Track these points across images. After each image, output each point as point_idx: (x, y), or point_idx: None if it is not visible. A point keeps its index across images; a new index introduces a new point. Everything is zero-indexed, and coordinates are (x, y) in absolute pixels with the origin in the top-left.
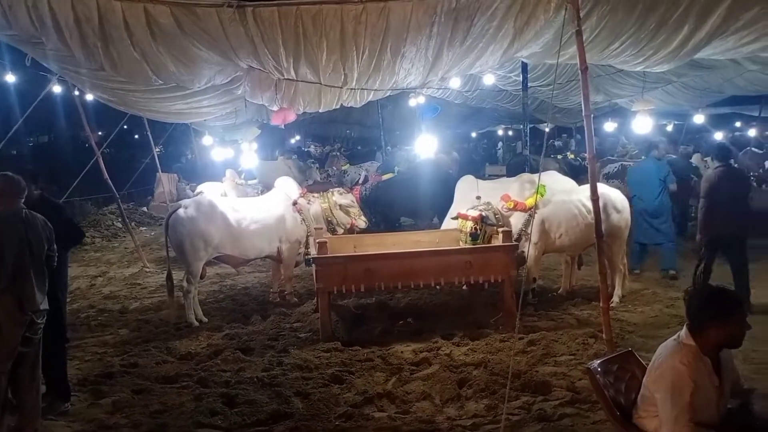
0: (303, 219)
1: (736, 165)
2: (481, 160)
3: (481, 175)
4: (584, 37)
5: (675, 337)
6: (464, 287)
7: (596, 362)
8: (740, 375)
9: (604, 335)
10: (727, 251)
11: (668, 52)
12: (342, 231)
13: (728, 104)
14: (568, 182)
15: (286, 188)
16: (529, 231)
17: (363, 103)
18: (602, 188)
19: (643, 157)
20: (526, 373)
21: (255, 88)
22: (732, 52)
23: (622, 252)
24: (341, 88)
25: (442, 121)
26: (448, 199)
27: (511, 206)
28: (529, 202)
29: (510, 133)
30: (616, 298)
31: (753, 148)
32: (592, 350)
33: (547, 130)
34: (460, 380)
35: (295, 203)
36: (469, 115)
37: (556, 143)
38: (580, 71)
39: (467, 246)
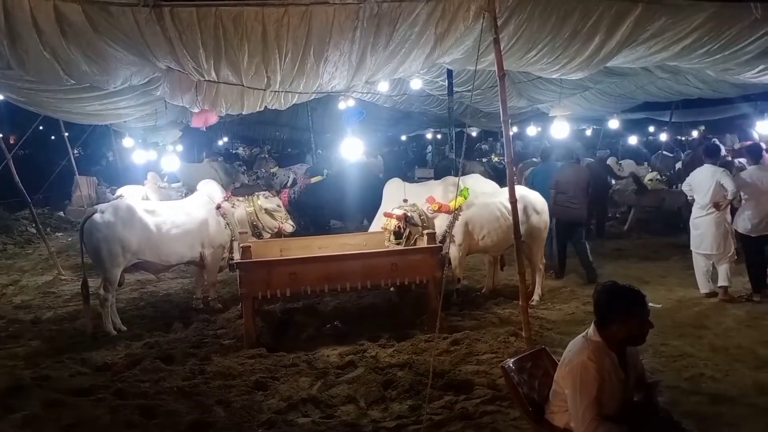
0: (227, 223)
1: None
2: (411, 163)
3: (410, 178)
4: (502, 45)
5: (584, 334)
6: (392, 289)
7: (510, 361)
8: (645, 369)
9: (523, 333)
10: (571, 235)
11: (582, 60)
12: (268, 235)
13: (642, 110)
14: (491, 185)
15: (210, 191)
16: (453, 232)
17: (288, 106)
18: (522, 191)
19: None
20: (449, 373)
21: (175, 89)
22: (642, 61)
23: (541, 252)
24: (264, 90)
25: (372, 124)
26: (377, 202)
27: (436, 208)
28: (453, 204)
29: (439, 136)
30: (536, 297)
31: (664, 152)
32: (513, 348)
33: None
34: (385, 382)
35: (218, 207)
36: (400, 118)
37: (483, 147)
38: (498, 78)
39: (392, 244)
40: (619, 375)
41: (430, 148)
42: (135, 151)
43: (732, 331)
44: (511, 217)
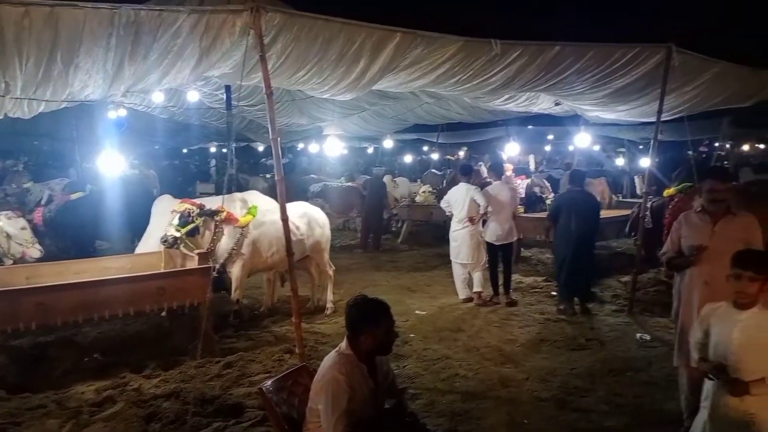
0: None
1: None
2: (193, 177)
3: (191, 194)
4: (271, 63)
5: (337, 348)
6: (163, 314)
7: (269, 381)
8: (396, 376)
9: (297, 350)
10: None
11: (350, 82)
12: (11, 261)
13: (414, 131)
14: (270, 201)
15: None
16: (241, 250)
17: (33, 115)
18: (306, 206)
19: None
20: (219, 398)
21: None
22: (405, 86)
23: (327, 262)
24: (3, 97)
25: (147, 136)
26: (148, 220)
27: (223, 217)
28: (243, 221)
29: (224, 150)
30: (330, 305)
31: (432, 170)
32: (287, 366)
33: (260, 149)
34: (147, 415)
35: None
36: (179, 130)
37: (268, 162)
38: (265, 95)
39: (172, 230)
40: (369, 385)
41: (213, 162)
42: None
43: (483, 332)
44: (298, 233)
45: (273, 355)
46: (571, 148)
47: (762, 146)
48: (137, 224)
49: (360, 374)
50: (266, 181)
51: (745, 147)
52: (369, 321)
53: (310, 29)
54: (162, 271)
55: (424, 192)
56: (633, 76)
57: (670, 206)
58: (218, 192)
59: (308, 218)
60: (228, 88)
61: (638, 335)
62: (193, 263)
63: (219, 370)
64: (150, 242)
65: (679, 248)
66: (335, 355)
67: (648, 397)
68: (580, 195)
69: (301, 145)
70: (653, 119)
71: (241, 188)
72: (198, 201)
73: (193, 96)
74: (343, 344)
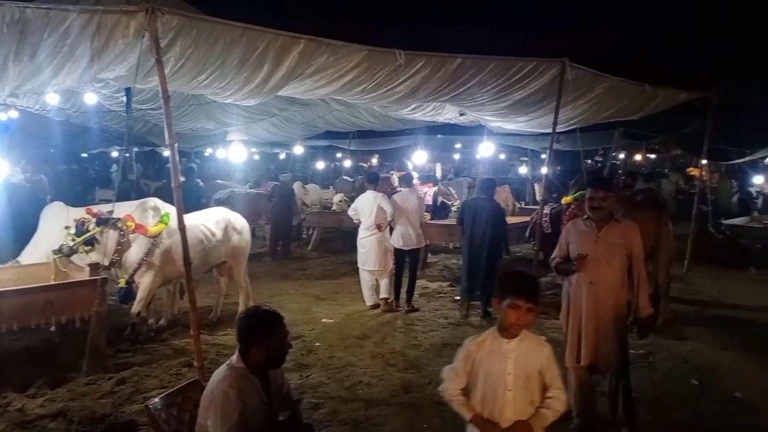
0: None
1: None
2: (93, 182)
3: (90, 200)
4: (169, 66)
5: (228, 361)
6: (52, 328)
7: (157, 398)
8: (290, 387)
9: (196, 363)
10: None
11: (253, 87)
12: None
13: (325, 138)
14: (171, 208)
15: None
16: (152, 260)
17: None
18: (224, 212)
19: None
20: (110, 416)
21: None
22: (312, 93)
23: (244, 271)
24: None
25: (42, 139)
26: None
27: (132, 226)
28: (153, 230)
29: (128, 155)
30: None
31: (345, 177)
32: (186, 380)
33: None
34: None
35: None
36: (78, 133)
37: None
38: (162, 99)
39: (68, 239)
40: (262, 398)
41: (115, 167)
42: None
43: (388, 338)
44: (213, 239)
45: (170, 370)
46: (478, 156)
47: (653, 156)
48: (23, 233)
49: (252, 387)
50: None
51: (638, 157)
52: (261, 333)
53: (210, 33)
54: (49, 283)
55: (339, 201)
56: (531, 88)
57: (566, 213)
58: (118, 199)
59: (225, 223)
60: (128, 91)
61: None
62: (84, 275)
63: (111, 387)
64: (38, 251)
65: (567, 254)
66: (226, 368)
67: None
68: (484, 202)
69: (209, 150)
70: (550, 130)
71: (143, 194)
72: (99, 209)
73: (91, 98)
74: (234, 357)
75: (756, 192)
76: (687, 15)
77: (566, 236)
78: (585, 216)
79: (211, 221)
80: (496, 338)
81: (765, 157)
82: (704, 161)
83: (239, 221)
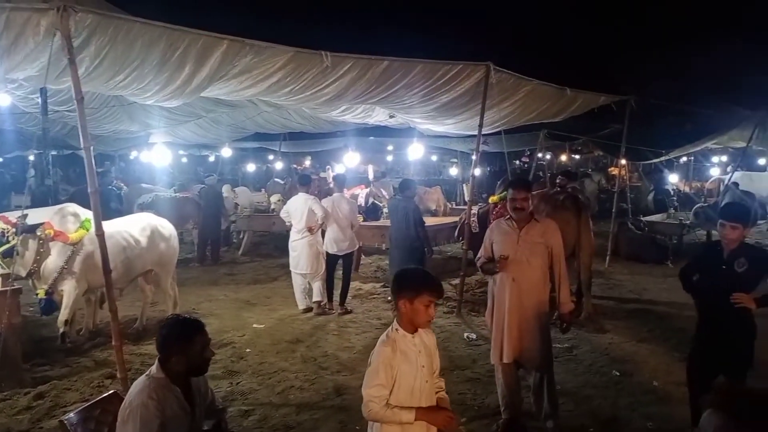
0: None
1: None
2: (9, 188)
3: (6, 206)
4: (84, 67)
5: (147, 372)
6: None
7: (73, 413)
8: (215, 396)
9: (119, 374)
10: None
11: (175, 88)
12: None
13: (255, 139)
14: (88, 213)
15: None
16: (73, 268)
17: None
18: (150, 218)
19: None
20: None
21: None
22: (237, 94)
23: (170, 279)
24: None
25: None
26: None
27: (51, 233)
28: (74, 237)
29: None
30: None
31: (276, 179)
32: (109, 391)
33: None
34: None
35: None
36: None
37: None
38: (75, 101)
39: None
40: (185, 408)
41: (33, 171)
42: None
43: (321, 341)
44: (137, 247)
45: (92, 382)
46: (411, 158)
47: (577, 156)
48: None
49: (173, 398)
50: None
51: (563, 157)
52: (181, 341)
53: (128, 32)
54: None
55: (277, 201)
56: (457, 91)
57: (493, 212)
58: (34, 204)
59: (151, 230)
60: (42, 92)
61: (465, 335)
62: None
63: (28, 402)
64: None
65: (492, 253)
66: (144, 379)
67: (471, 392)
68: (403, 202)
69: (134, 153)
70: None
71: (60, 201)
72: (11, 217)
73: (4, 99)
74: (154, 367)
75: (673, 190)
76: (607, 25)
77: (490, 236)
78: (507, 216)
79: (135, 228)
80: (404, 336)
81: (679, 157)
82: (623, 161)
83: (166, 228)
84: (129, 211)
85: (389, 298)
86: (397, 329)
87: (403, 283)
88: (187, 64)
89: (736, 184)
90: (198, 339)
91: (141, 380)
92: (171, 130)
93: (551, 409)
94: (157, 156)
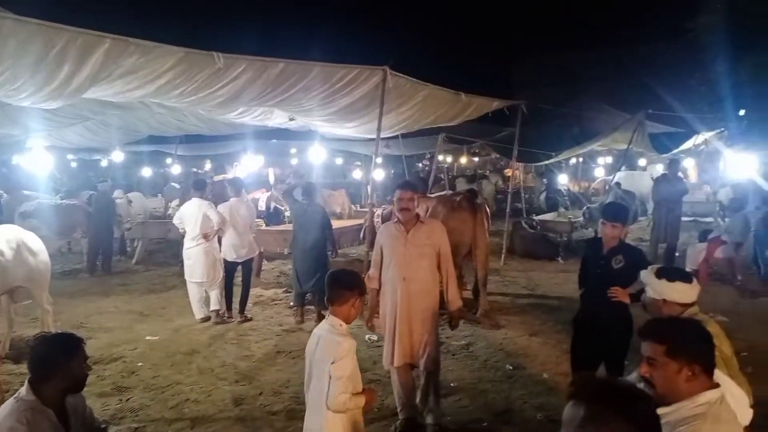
0: None
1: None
2: None
3: None
4: None
5: (15, 395)
6: None
7: None
8: (93, 413)
9: None
10: None
11: (53, 89)
12: None
13: (150, 143)
14: None
15: None
16: None
17: None
18: (15, 230)
19: None
20: None
21: None
22: (124, 96)
23: (46, 295)
24: None
25: None
26: None
27: None
28: None
29: None
30: None
31: (173, 183)
32: None
33: None
34: None
35: None
36: None
37: None
38: None
39: None
40: (59, 430)
41: None
42: None
43: (219, 351)
44: (6, 259)
45: None
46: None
47: (476, 159)
48: None
49: (46, 420)
50: None
51: (463, 160)
52: (54, 360)
53: None
54: None
55: (174, 207)
56: (355, 95)
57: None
58: None
59: (17, 244)
60: None
61: (367, 337)
62: None
63: None
64: None
65: (381, 256)
66: (12, 402)
67: None
68: (308, 206)
69: (17, 159)
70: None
71: None
72: None
73: None
74: (23, 389)
75: (564, 190)
76: (501, 33)
77: (380, 240)
78: (395, 219)
79: (6, 240)
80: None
81: (569, 159)
82: (517, 163)
83: (34, 242)
84: (9, 221)
85: (291, 303)
86: (341, 324)
87: (355, 282)
88: (66, 63)
89: (618, 184)
90: (73, 356)
91: (9, 403)
92: (55, 133)
93: (434, 404)
94: (36, 161)
